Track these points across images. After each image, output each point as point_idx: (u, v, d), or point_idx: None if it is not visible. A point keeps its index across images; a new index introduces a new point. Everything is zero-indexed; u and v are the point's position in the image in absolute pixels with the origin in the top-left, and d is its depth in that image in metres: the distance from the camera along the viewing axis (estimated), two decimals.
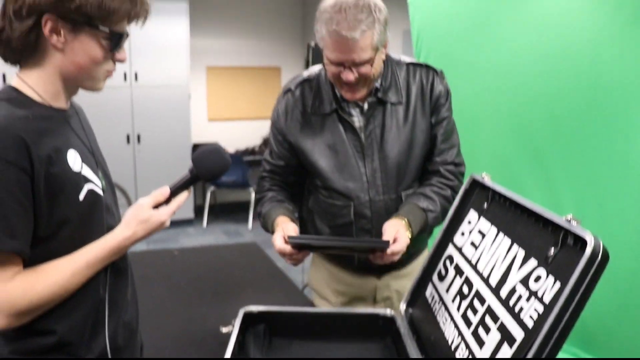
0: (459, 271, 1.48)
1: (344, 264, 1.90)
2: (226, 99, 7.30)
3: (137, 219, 1.20)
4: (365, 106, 1.74)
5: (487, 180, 1.53)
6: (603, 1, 2.16)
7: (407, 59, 1.80)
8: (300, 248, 1.57)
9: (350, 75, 1.59)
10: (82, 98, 1.31)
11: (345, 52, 1.56)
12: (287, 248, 1.55)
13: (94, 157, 1.27)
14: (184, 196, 1.28)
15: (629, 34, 2.05)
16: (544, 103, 2.35)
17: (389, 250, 1.53)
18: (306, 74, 1.83)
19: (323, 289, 1.98)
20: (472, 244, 1.47)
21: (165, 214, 1.23)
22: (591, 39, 2.19)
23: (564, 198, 2.30)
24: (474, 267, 1.40)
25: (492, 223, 1.43)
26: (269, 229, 1.75)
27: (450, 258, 1.56)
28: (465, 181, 1.64)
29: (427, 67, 1.78)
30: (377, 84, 1.72)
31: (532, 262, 1.14)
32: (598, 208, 2.14)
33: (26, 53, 1.13)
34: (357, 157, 1.75)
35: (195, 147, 6.71)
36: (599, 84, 2.14)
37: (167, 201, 1.26)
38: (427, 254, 1.85)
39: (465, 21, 2.79)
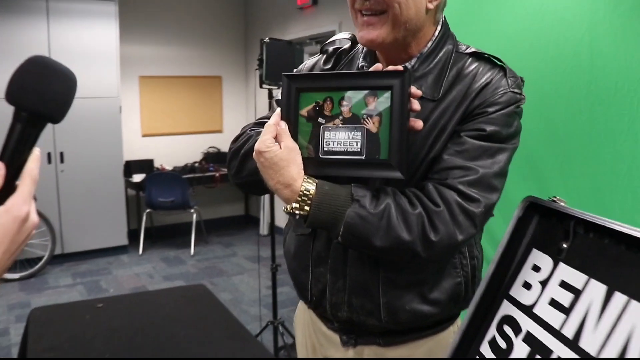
0: (532, 341, 0.97)
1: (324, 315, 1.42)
2: (162, 111, 6.66)
3: None
4: None
5: (564, 205, 1.03)
6: None
7: (473, 48, 1.27)
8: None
9: None
10: None
11: None
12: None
13: None
14: (33, 163, 0.76)
15: (628, 28, 1.85)
16: (538, 103, 2.06)
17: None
18: (347, 45, 1.41)
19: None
20: (553, 302, 0.96)
21: (18, 201, 0.74)
22: (590, 29, 1.98)
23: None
24: (561, 337, 0.90)
25: (580, 269, 0.94)
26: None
27: (510, 321, 1.05)
28: (519, 206, 1.15)
29: (495, 63, 1.23)
30: (410, 64, 1.23)
31: None
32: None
33: None
34: None
35: (128, 165, 6.04)
36: (599, 81, 1.94)
37: (11, 185, 0.74)
38: (428, 342, 1.34)
39: (456, 10, 2.39)
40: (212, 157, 6.76)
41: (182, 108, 6.78)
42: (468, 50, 1.24)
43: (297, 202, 1.10)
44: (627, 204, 1.83)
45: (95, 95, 5.48)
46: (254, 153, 1.13)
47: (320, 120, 1.15)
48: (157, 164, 6.52)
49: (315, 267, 1.34)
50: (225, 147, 6.93)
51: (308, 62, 1.45)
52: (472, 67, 1.20)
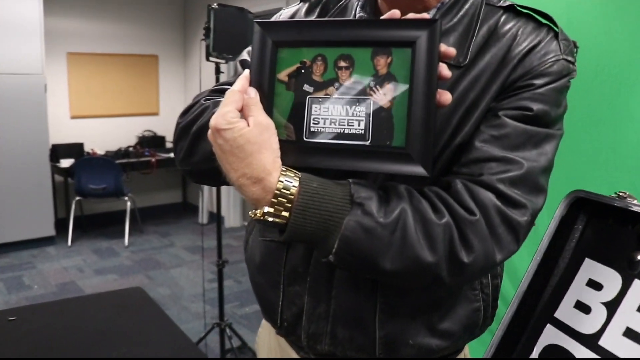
0: None
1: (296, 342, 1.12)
2: (93, 91, 6.15)
3: None
4: None
5: (637, 203, 0.79)
6: None
7: (509, 1, 0.95)
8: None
9: None
10: None
11: None
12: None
13: None
14: None
15: (611, 5, 1.70)
16: None
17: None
18: None
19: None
20: (630, 333, 0.73)
21: None
22: (568, 7, 1.76)
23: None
24: None
25: None
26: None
27: (561, 353, 0.81)
28: (562, 203, 0.90)
29: (540, 21, 0.91)
30: (429, 15, 0.91)
31: None
32: None
33: None
34: None
35: (55, 149, 5.55)
36: (577, 64, 1.82)
37: None
38: None
39: None
40: (148, 141, 6.33)
41: (115, 88, 6.28)
42: (503, 4, 0.93)
43: (271, 204, 0.76)
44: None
45: (15, 72, 4.96)
46: (209, 131, 0.79)
47: (306, 88, 0.81)
48: (87, 148, 6.02)
49: (288, 285, 1.02)
50: (161, 131, 6.51)
51: (284, 12, 1.11)
52: (510, 24, 0.90)
